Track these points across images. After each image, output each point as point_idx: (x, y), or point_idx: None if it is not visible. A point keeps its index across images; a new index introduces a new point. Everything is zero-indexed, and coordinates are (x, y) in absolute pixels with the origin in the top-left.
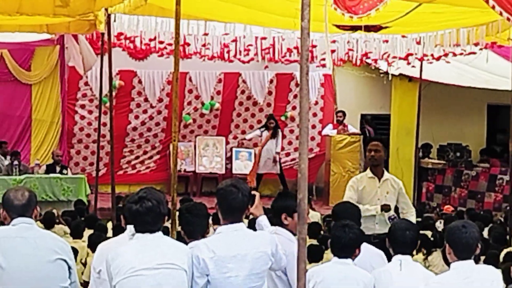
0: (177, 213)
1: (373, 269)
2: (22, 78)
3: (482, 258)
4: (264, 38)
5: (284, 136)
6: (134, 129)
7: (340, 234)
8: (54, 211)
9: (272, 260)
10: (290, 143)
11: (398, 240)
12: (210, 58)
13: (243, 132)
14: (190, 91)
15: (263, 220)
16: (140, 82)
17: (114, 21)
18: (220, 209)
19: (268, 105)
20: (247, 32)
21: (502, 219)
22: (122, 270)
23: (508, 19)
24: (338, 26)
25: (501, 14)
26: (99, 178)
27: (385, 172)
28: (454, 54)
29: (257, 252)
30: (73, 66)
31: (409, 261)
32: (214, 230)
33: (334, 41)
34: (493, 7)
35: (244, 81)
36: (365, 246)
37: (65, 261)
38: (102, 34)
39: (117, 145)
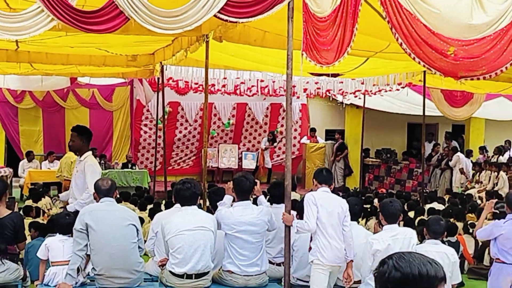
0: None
1: None
2: (106, 107)
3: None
4: (262, 80)
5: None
6: (179, 139)
7: None
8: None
9: (268, 225)
10: (279, 148)
11: (350, 211)
12: (227, 93)
13: (249, 142)
14: (215, 115)
15: (262, 198)
16: (182, 109)
17: (166, 70)
18: (235, 192)
19: (265, 124)
20: (251, 76)
21: (417, 198)
22: (171, 231)
23: (424, 65)
24: (311, 73)
25: (419, 63)
26: (156, 171)
27: (85, 155)
28: (386, 91)
29: (259, 219)
30: (139, 99)
31: (355, 225)
32: (231, 205)
33: (307, 82)
34: (414, 59)
35: (249, 108)
36: None
37: (134, 225)
38: (158, 78)
39: (167, 150)
